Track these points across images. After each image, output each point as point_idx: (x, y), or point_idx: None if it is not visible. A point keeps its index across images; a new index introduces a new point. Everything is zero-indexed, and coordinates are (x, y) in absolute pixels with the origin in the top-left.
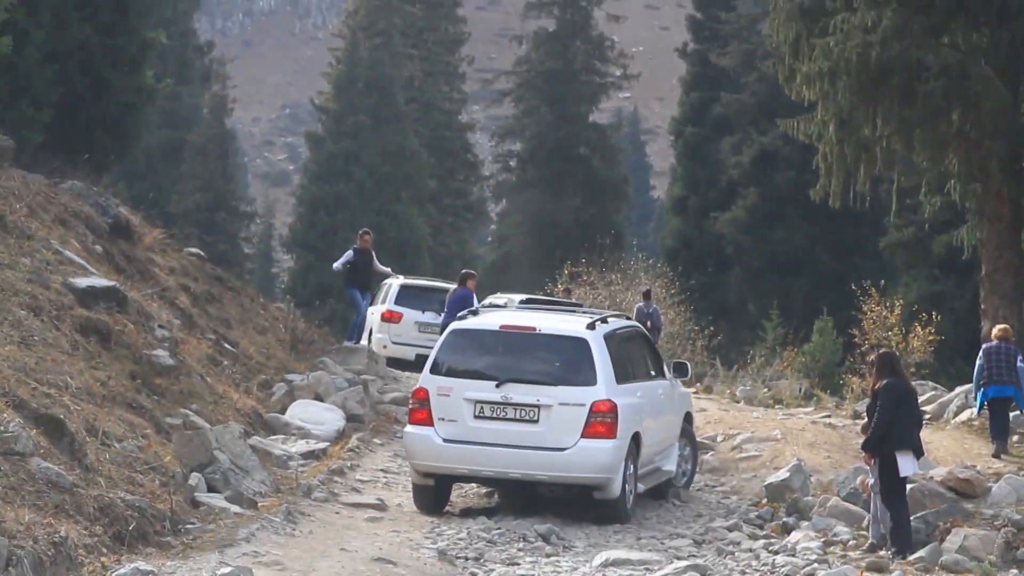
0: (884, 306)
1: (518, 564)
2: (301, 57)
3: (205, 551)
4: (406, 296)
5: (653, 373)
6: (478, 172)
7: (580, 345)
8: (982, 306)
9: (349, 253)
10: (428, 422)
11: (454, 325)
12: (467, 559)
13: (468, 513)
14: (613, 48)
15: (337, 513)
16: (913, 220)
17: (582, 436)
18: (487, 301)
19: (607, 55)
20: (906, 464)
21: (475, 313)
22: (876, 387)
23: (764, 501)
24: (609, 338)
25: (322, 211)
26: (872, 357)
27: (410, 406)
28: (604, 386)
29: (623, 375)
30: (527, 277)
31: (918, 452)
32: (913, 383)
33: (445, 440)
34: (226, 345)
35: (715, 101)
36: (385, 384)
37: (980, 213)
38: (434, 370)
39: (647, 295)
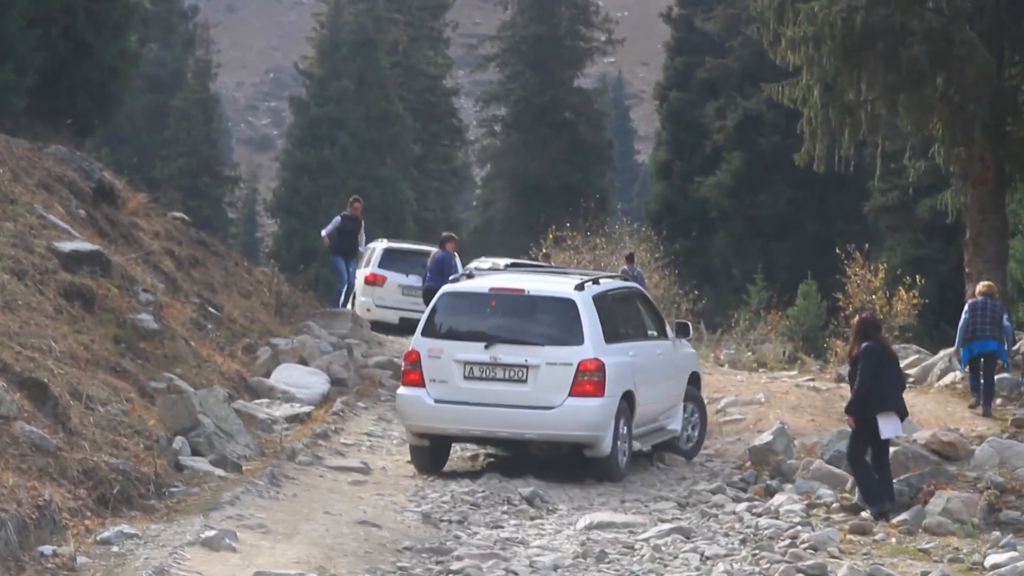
0: (868, 270)
1: (502, 527)
2: (285, 22)
3: (189, 514)
4: (390, 260)
5: (654, 333)
6: (463, 137)
7: (567, 306)
8: (966, 270)
9: (337, 219)
10: (420, 383)
11: (445, 288)
12: (451, 522)
13: (452, 476)
14: (598, 13)
15: (321, 476)
16: (897, 184)
17: (569, 395)
18: (472, 265)
19: (592, 20)
20: (888, 426)
21: (470, 276)
22: (855, 352)
23: (748, 464)
24: (599, 299)
25: (306, 176)
26: (853, 321)
27: (403, 368)
28: (591, 345)
29: (614, 335)
30: (512, 241)
31: (902, 414)
32: (896, 347)
33: (436, 401)
34: (210, 309)
35: (700, 66)
36: (369, 348)
37: (964, 177)
38: (425, 332)
39: (630, 258)
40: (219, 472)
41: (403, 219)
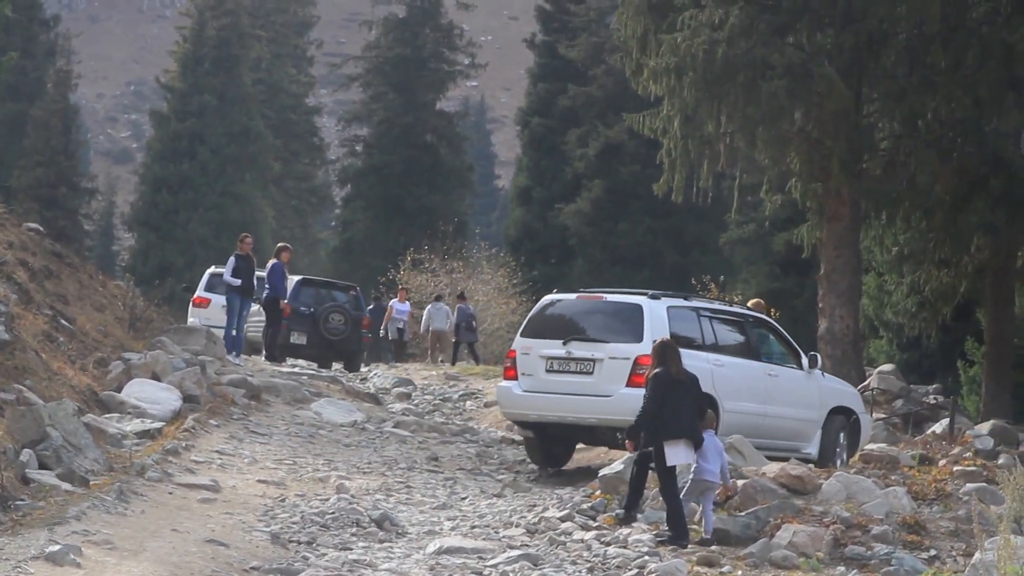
0: (723, 301)
1: (351, 549)
2: (148, 34)
3: (34, 528)
4: (216, 282)
5: (770, 358)
6: (324, 156)
7: (635, 310)
8: (819, 304)
9: (232, 261)
10: (515, 377)
11: (546, 297)
12: (300, 543)
13: (302, 497)
14: (462, 36)
15: (170, 493)
16: (754, 217)
17: (626, 385)
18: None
19: (456, 43)
20: (673, 454)
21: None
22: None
23: (598, 492)
24: (677, 310)
25: (164, 190)
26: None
27: (505, 365)
28: (651, 343)
29: (692, 343)
30: (370, 263)
31: (695, 440)
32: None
33: (524, 391)
34: (63, 322)
35: (562, 93)
36: (223, 365)
37: (820, 212)
38: (523, 334)
39: (461, 296)
40: (66, 486)
41: (261, 237)
